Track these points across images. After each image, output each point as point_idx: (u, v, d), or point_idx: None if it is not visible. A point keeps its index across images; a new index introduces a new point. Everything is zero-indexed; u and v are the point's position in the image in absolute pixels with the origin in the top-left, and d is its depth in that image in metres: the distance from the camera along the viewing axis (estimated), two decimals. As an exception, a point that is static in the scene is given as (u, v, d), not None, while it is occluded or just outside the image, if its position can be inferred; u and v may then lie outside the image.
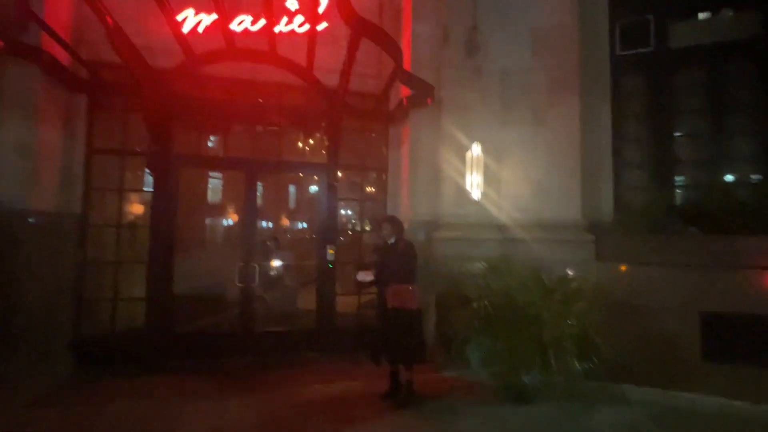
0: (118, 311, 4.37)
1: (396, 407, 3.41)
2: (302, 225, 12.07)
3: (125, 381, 3.81)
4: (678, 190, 4.43)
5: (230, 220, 8.64)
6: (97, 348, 4.20)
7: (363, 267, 4.06)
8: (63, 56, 4.09)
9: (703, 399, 3.56)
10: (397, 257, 3.51)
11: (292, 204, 13.27)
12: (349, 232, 5.73)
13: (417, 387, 3.60)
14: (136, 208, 5.38)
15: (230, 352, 4.49)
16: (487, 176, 4.46)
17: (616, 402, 3.56)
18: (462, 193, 4.44)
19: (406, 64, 4.75)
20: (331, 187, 4.91)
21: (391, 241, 3.65)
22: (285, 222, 12.28)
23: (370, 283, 3.62)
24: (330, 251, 4.82)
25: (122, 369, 4.06)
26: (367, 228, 5.41)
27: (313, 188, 7.01)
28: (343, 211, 5.26)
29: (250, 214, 4.80)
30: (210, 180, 7.84)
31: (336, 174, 4.94)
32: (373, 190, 5.69)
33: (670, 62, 4.58)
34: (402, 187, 4.99)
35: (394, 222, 3.70)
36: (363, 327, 4.67)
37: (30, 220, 3.79)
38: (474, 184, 4.48)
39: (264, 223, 13.67)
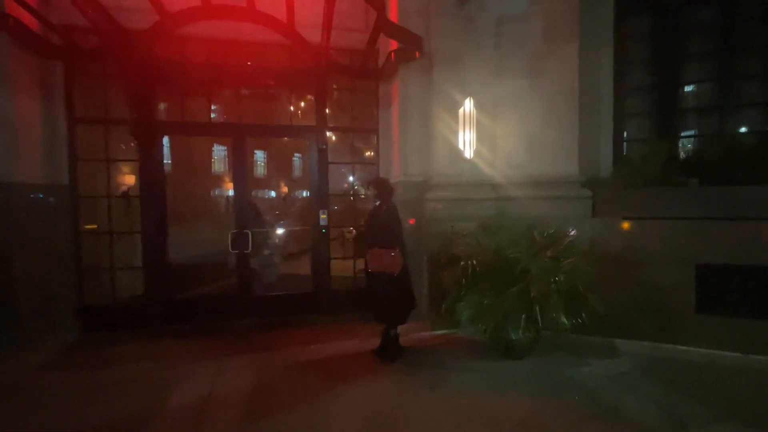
0: (118, 280, 4.52)
1: (385, 362, 3.54)
2: (296, 191, 12.19)
3: (130, 345, 3.99)
4: (681, 141, 4.27)
5: (223, 188, 8.72)
6: (102, 315, 4.37)
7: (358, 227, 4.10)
8: (31, 21, 3.98)
9: (693, 351, 3.61)
10: (380, 221, 3.53)
11: (283, 170, 13.38)
12: (343, 197, 5.74)
13: (410, 343, 3.74)
14: (128, 179, 5.42)
15: (230, 315, 4.65)
16: (480, 133, 4.37)
17: (606, 355, 3.64)
18: (455, 151, 4.37)
19: (392, 15, 4.55)
20: (321, 151, 4.87)
21: (377, 203, 3.65)
22: (283, 188, 12.40)
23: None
24: (323, 216, 4.85)
25: (127, 334, 4.24)
26: (361, 192, 5.45)
27: (303, 152, 6.95)
28: (335, 175, 5.09)
29: (239, 180, 4.81)
30: (199, 147, 7.80)
31: (325, 137, 4.89)
32: (365, 151, 5.67)
33: (676, 1, 4.27)
34: (393, 148, 4.93)
35: (379, 184, 3.69)
36: (358, 289, 4.79)
37: (16, 191, 3.84)
38: (467, 142, 4.39)
39: (263, 191, 14.10)
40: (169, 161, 8.37)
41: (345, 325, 4.45)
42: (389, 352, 3.62)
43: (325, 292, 4.88)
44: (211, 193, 10.17)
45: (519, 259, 3.39)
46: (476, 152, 4.36)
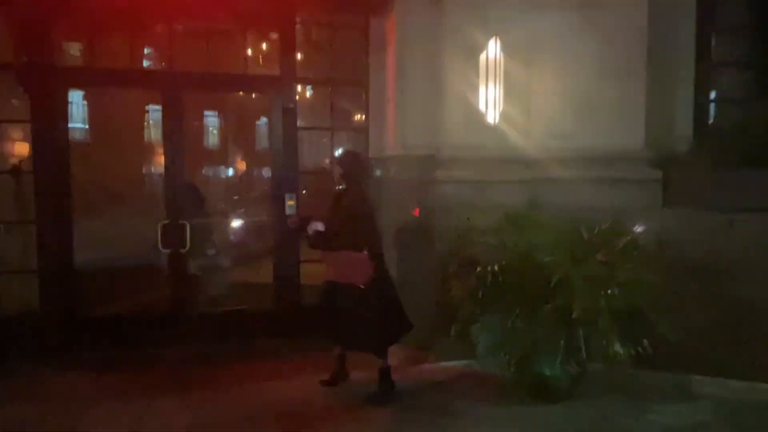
0: (5, 289, 4.50)
1: (372, 405, 3.55)
2: (261, 168, 12.17)
3: (20, 379, 3.98)
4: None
5: (158, 164, 8.69)
6: None
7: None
8: None
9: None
10: (343, 211, 3.56)
11: (243, 139, 13.27)
12: (319, 176, 5.84)
13: (408, 379, 3.75)
14: (20, 148, 5.35)
15: (160, 340, 4.65)
16: (510, 89, 4.34)
17: (678, 398, 3.62)
18: (473, 114, 4.34)
19: None
20: (287, 112, 4.84)
21: (340, 187, 3.69)
22: (241, 165, 12.34)
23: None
24: (289, 203, 4.82)
25: (17, 364, 4.21)
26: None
27: (264, 114, 7.01)
28: (309, 147, 5.14)
29: (174, 152, 4.79)
30: (125, 107, 7.75)
31: (293, 91, 4.88)
32: (352, 114, 5.64)
33: None
34: (388, 109, 4.90)
35: (347, 160, 3.71)
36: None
37: None
38: (491, 101, 4.35)
39: (217, 168, 14.04)
40: (82, 125, 8.29)
41: (317, 354, 4.34)
42: (378, 391, 3.65)
43: (292, 308, 4.86)
44: (143, 171, 10.14)
45: (558, 266, 3.36)
46: (503, 116, 4.32)
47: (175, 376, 4.13)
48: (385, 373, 3.69)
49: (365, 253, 3.53)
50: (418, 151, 4.54)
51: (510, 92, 4.32)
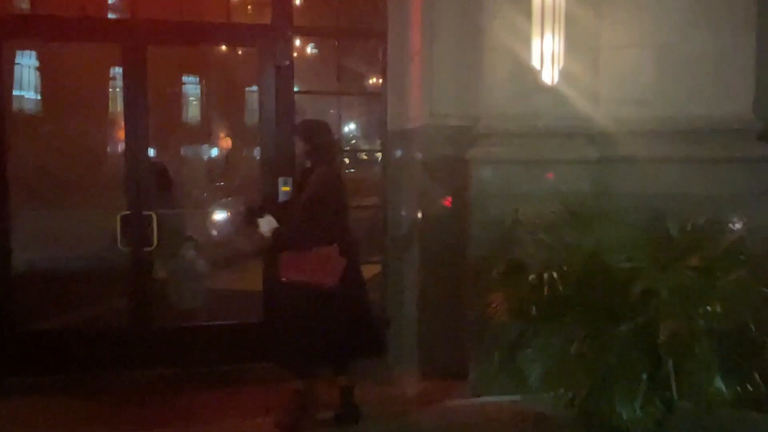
0: None
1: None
2: (250, 147, 12.17)
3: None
4: None
5: (116, 140, 8.73)
6: None
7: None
8: None
9: None
10: (306, 195, 3.65)
11: (231, 111, 13.30)
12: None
13: (439, 416, 3.79)
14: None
15: (120, 362, 4.69)
16: (573, 40, 4.13)
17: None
18: (523, 73, 4.18)
19: None
20: (282, 71, 4.81)
21: (307, 165, 3.84)
22: (224, 142, 12.39)
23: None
24: (284, 188, 4.79)
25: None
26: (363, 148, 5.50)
27: (251, 76, 7.06)
28: (310, 116, 4.95)
29: (136, 123, 4.78)
30: (83, 70, 7.78)
31: (290, 45, 4.85)
32: (362, 75, 5.65)
33: None
34: (411, 67, 4.80)
35: (308, 130, 3.83)
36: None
37: None
38: (547, 56, 4.11)
39: (197, 147, 14.05)
40: (25, 93, 8.27)
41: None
42: (339, 416, 3.79)
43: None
44: (105, 150, 10.19)
45: (638, 273, 3.23)
46: (564, 75, 4.12)
47: (130, 407, 4.15)
48: (346, 393, 3.77)
49: (334, 247, 3.57)
50: (450, 122, 4.44)
51: (573, 45, 4.13)
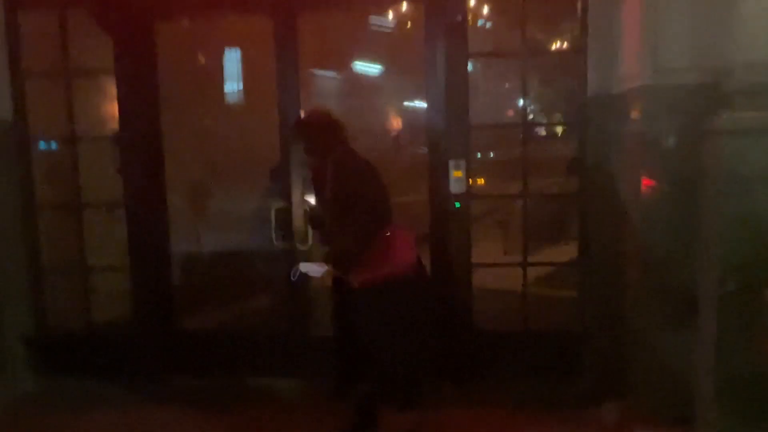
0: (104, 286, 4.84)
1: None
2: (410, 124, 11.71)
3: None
4: None
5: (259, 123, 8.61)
6: (79, 349, 4.68)
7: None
8: None
9: None
10: (330, 188, 3.44)
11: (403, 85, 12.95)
12: (502, 132, 5.42)
13: None
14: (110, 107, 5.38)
15: (269, 367, 4.65)
16: None
17: None
18: None
19: None
20: (454, 30, 4.32)
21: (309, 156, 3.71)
22: (393, 122, 12.14)
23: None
24: (456, 174, 4.36)
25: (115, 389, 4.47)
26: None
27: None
28: (485, 88, 4.94)
29: (288, 102, 4.50)
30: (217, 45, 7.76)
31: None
32: (556, 31, 4.93)
33: None
34: (623, 11, 4.03)
35: (303, 126, 3.67)
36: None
37: None
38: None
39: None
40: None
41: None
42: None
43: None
44: (258, 138, 10.39)
45: None
46: None
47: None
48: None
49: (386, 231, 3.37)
50: (683, 79, 3.60)
51: None
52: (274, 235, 4.40)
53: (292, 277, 3.57)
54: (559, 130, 9.26)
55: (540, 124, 5.41)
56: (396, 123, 13.94)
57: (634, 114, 3.81)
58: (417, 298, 3.38)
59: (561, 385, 4.16)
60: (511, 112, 5.94)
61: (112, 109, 4.99)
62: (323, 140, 3.53)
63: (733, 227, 3.33)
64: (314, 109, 3.92)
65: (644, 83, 3.67)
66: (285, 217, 4.41)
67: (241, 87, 9.26)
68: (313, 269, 3.53)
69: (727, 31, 3.49)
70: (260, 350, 4.69)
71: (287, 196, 4.46)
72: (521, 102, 4.94)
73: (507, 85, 5.30)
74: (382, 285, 3.25)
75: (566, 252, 5.41)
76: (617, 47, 4.06)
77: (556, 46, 5.69)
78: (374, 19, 8.83)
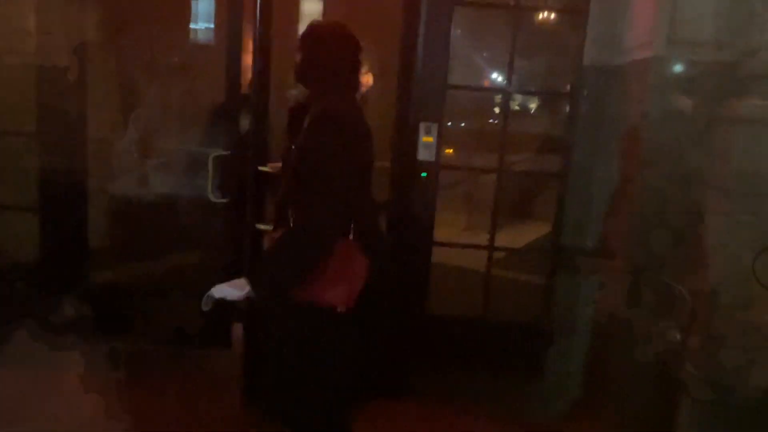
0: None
1: None
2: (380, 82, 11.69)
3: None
4: None
5: None
6: None
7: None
8: None
9: None
10: (298, 149, 2.46)
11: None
12: (480, 99, 5.35)
13: None
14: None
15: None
16: None
17: None
18: None
19: None
20: None
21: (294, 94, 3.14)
22: (367, 78, 11.90)
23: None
24: (426, 139, 4.06)
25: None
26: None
27: None
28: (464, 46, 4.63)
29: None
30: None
31: None
32: None
33: None
34: None
35: (313, 37, 2.56)
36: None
37: None
38: None
39: None
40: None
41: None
42: None
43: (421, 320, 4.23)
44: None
45: None
46: None
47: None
48: None
49: (349, 238, 2.41)
50: (702, 55, 3.23)
51: None
52: (210, 187, 4.09)
53: (203, 307, 2.58)
54: (533, 105, 9.01)
55: (528, 92, 5.06)
56: (366, 78, 13.46)
57: (638, 90, 3.45)
58: (355, 341, 2.59)
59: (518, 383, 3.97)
60: (495, 75, 5.63)
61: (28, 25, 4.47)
62: (324, 63, 2.54)
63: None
64: (338, 22, 2.82)
65: (656, 54, 3.28)
66: (225, 167, 4.10)
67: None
68: (231, 293, 2.46)
69: (754, 6, 3.15)
70: (182, 313, 4.14)
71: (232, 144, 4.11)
72: (507, 65, 4.61)
73: (492, 43, 4.88)
74: (323, 312, 2.41)
75: (532, 232, 5.13)
76: (625, 11, 3.69)
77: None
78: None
